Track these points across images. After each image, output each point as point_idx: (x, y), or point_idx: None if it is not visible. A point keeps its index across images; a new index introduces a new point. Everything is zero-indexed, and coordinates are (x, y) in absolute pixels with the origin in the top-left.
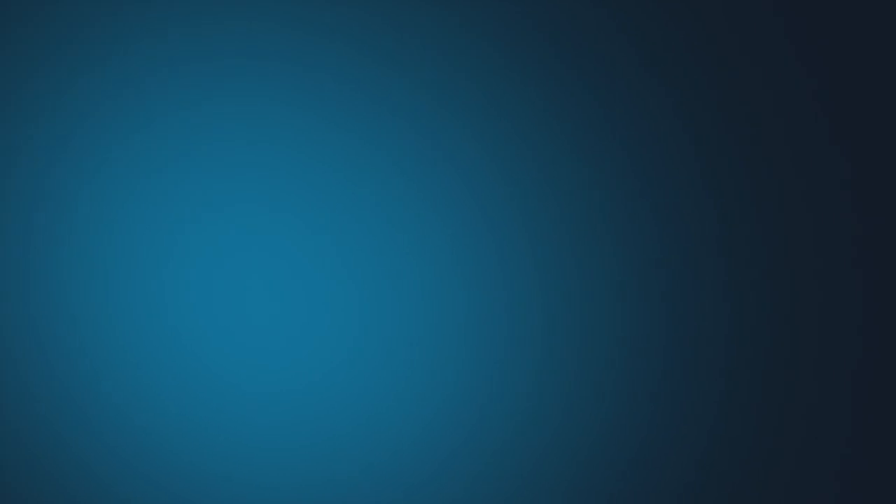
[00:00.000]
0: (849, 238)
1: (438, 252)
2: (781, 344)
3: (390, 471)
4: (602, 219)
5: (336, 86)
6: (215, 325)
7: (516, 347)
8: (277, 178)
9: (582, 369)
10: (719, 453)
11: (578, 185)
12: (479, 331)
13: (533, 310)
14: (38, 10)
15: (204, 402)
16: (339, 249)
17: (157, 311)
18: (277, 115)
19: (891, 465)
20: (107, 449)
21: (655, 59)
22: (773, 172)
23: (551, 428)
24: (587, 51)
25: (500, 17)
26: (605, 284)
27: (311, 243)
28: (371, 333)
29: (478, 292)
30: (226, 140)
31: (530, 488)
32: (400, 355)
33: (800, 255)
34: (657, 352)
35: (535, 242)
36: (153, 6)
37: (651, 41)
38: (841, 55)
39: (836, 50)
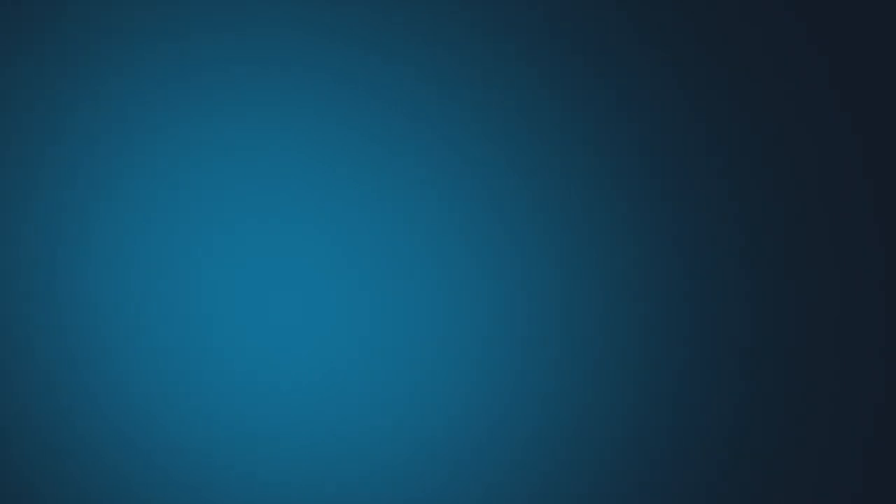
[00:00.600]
0: (875, 236)
1: (456, 250)
2: (804, 343)
3: (408, 472)
4: (622, 216)
5: (347, 86)
6: (234, 325)
7: (535, 347)
8: (294, 180)
9: (602, 371)
10: (742, 454)
11: (597, 183)
12: (497, 330)
13: (552, 308)
14: (59, 18)
15: (225, 402)
16: (358, 250)
17: (174, 311)
18: (290, 116)
19: None
20: (122, 448)
21: (674, 53)
22: (796, 169)
23: (570, 429)
24: (603, 43)
25: (511, 12)
26: (626, 284)
27: (331, 244)
28: (387, 334)
29: (496, 292)
30: (239, 141)
31: (549, 491)
32: (416, 356)
33: (822, 252)
34: (679, 352)
35: (554, 240)
36: (167, 13)
37: (671, 32)
38: (863, 51)
39: (857, 46)
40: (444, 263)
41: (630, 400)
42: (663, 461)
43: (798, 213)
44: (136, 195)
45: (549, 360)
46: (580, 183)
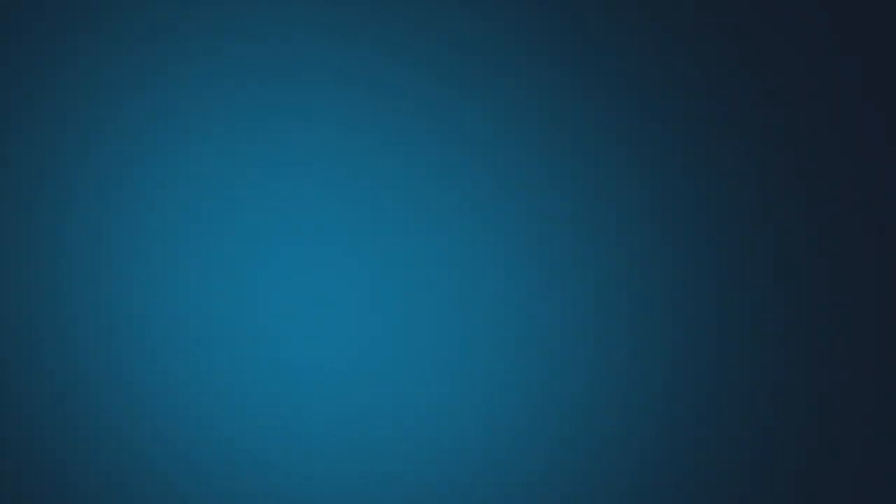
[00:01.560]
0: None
1: (457, 250)
2: (833, 351)
3: (408, 472)
4: (651, 221)
5: (351, 86)
6: (236, 325)
7: (542, 350)
8: (314, 182)
9: (629, 376)
10: (772, 459)
11: (628, 186)
12: (499, 332)
13: (558, 310)
14: (97, 28)
15: (227, 402)
16: (364, 250)
17: (174, 312)
18: (294, 116)
19: None
20: (121, 447)
21: (692, 52)
22: (828, 175)
23: (574, 430)
24: (619, 38)
25: (522, 12)
26: (655, 290)
27: (339, 244)
28: (391, 335)
29: (496, 292)
30: (241, 141)
31: (550, 491)
32: (418, 357)
33: (852, 257)
34: (711, 357)
35: (566, 240)
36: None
37: (687, 31)
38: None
39: (883, 42)
40: (444, 263)
41: (660, 407)
42: (687, 465)
43: (829, 220)
44: (133, 196)
45: (553, 363)
46: (601, 184)
